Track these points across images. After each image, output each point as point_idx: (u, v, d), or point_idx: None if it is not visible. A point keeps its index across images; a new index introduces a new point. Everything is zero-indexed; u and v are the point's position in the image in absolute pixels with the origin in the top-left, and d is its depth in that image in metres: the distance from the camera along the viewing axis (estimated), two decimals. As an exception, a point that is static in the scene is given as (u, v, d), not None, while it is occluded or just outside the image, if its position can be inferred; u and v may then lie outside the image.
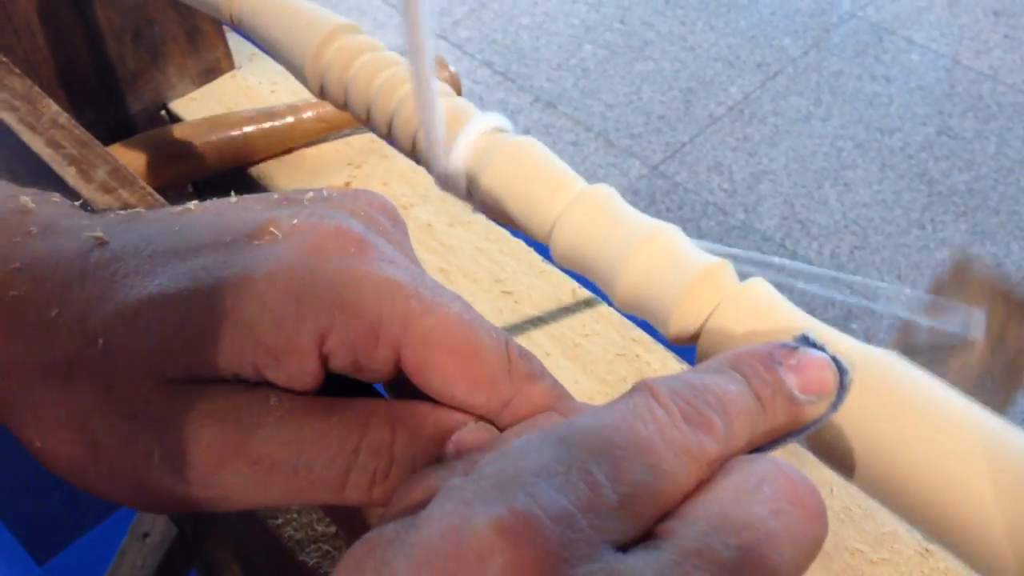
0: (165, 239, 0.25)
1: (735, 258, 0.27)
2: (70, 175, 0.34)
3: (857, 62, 1.96)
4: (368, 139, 0.61)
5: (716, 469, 0.21)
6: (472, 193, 0.31)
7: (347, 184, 0.58)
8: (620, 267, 0.26)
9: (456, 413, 0.24)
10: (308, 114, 0.59)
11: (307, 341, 0.23)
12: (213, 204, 0.26)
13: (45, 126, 0.36)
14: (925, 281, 1.58)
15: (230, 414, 0.23)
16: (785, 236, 1.66)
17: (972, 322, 0.38)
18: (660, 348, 0.49)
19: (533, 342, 0.50)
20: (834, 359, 0.23)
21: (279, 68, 0.38)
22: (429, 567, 0.18)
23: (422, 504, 0.20)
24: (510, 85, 1.97)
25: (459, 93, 0.60)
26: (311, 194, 0.26)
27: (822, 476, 0.43)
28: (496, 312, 0.51)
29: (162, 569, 0.76)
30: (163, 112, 0.63)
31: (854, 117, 1.85)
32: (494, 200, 0.30)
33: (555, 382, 0.24)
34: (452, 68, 0.62)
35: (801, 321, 0.25)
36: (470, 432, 0.23)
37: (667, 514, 0.20)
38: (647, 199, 1.74)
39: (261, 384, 0.23)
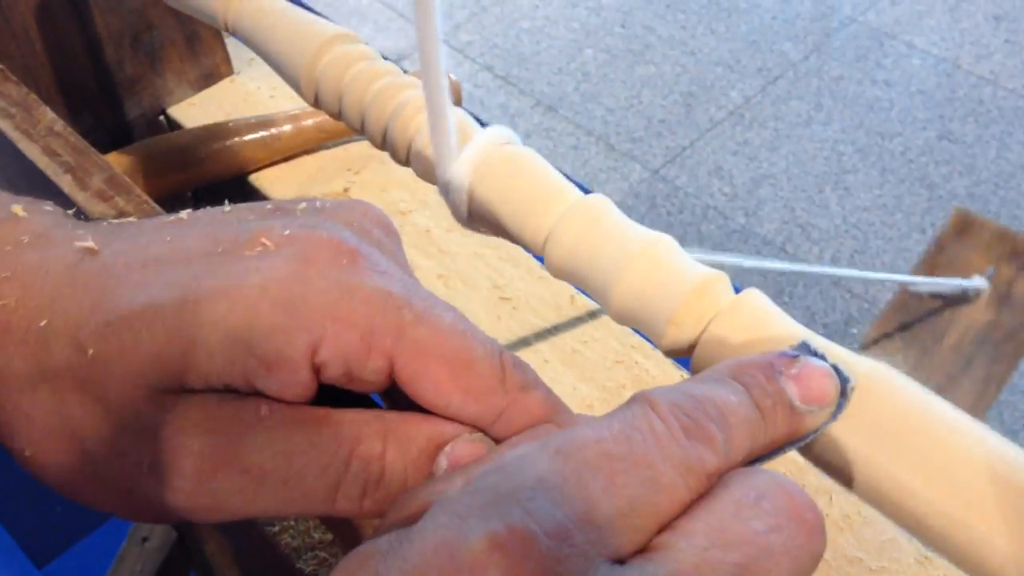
0: (156, 249, 0.24)
1: (733, 267, 0.26)
2: (66, 183, 0.34)
3: (858, 67, 1.96)
4: (366, 146, 0.61)
5: (715, 482, 0.20)
6: (472, 213, 0.30)
7: (345, 190, 0.58)
8: (614, 279, 0.26)
9: (449, 424, 0.24)
10: (307, 123, 0.59)
11: (299, 352, 0.23)
12: (205, 213, 0.26)
13: (41, 133, 0.36)
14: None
15: (220, 424, 0.23)
16: (786, 240, 1.66)
17: (974, 282, 0.37)
18: (659, 355, 0.49)
19: (531, 349, 0.50)
20: (835, 367, 0.23)
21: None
22: None
23: (417, 517, 0.20)
24: (511, 89, 1.97)
25: (459, 100, 0.60)
26: (304, 204, 0.26)
27: (822, 484, 0.43)
28: (494, 318, 0.51)
29: (161, 573, 0.76)
30: (162, 117, 0.63)
31: (855, 121, 1.85)
32: (488, 212, 0.30)
33: (549, 392, 0.24)
34: (452, 75, 0.62)
35: (798, 333, 0.25)
36: (463, 444, 0.23)
37: (665, 527, 0.20)
38: (648, 203, 1.74)
39: (252, 394, 0.23)
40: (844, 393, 0.23)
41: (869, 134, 1.83)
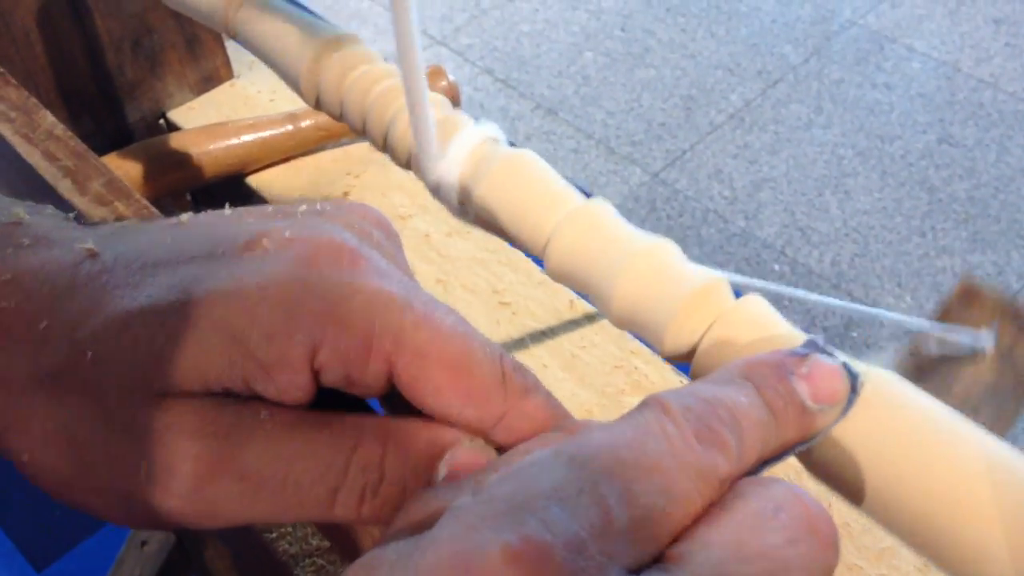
0: (156, 251, 0.24)
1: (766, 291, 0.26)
2: (65, 187, 0.34)
3: (858, 70, 1.96)
4: (366, 149, 0.61)
5: (727, 488, 0.20)
6: (465, 205, 0.30)
7: (345, 194, 0.58)
8: (614, 283, 0.26)
9: (449, 430, 0.23)
10: (306, 122, 0.59)
11: (298, 355, 0.22)
12: (205, 216, 0.26)
13: (41, 138, 0.36)
14: (926, 289, 1.58)
15: (219, 428, 0.23)
16: (786, 244, 1.66)
17: (981, 338, 0.38)
18: (658, 360, 0.49)
19: (530, 354, 0.50)
20: (844, 364, 0.23)
21: (278, 77, 0.38)
22: None
23: (424, 525, 0.19)
24: (511, 92, 1.97)
25: (457, 102, 0.60)
26: (304, 207, 0.26)
27: (820, 491, 0.43)
28: (494, 323, 0.51)
29: (160, 578, 0.76)
30: (161, 121, 0.63)
31: (855, 125, 1.85)
32: (489, 213, 0.30)
33: (550, 396, 0.24)
34: (451, 77, 0.62)
35: (799, 338, 0.25)
36: (463, 450, 0.23)
37: (679, 537, 0.19)
38: (648, 206, 1.74)
39: (251, 398, 0.23)
40: (854, 389, 0.22)
41: (869, 137, 1.83)
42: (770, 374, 0.22)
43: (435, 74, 0.61)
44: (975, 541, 0.21)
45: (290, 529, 0.37)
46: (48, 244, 0.25)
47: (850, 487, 0.23)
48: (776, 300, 0.26)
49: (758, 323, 0.25)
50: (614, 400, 0.47)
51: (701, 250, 1.64)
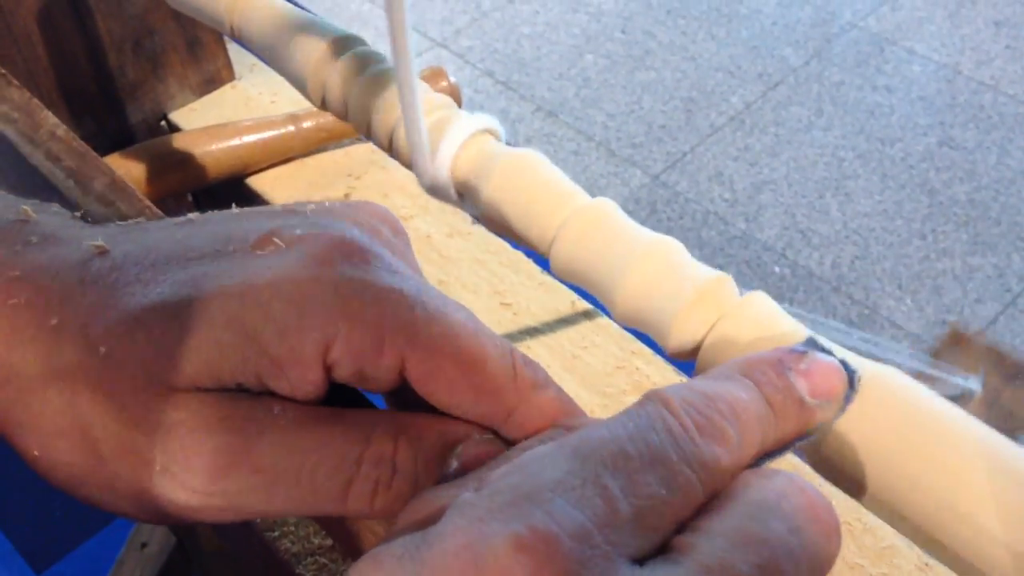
0: (167, 248, 0.25)
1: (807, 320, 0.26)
2: (68, 187, 0.34)
3: (858, 72, 1.97)
4: (367, 150, 0.61)
5: (728, 480, 0.21)
6: (466, 199, 0.30)
7: (346, 195, 0.58)
8: (619, 280, 0.26)
9: (460, 424, 0.24)
10: (307, 123, 0.59)
11: (311, 351, 0.23)
12: (214, 214, 0.26)
13: (43, 138, 0.36)
14: (926, 291, 1.58)
15: (233, 422, 0.23)
16: (786, 246, 1.66)
17: (971, 381, 0.38)
18: (660, 360, 0.49)
19: (532, 354, 0.50)
20: (842, 361, 0.23)
21: (279, 79, 0.38)
22: None
23: (430, 520, 0.20)
24: (511, 94, 1.97)
25: (459, 103, 0.60)
26: (313, 205, 0.26)
27: (822, 490, 0.43)
28: (495, 324, 0.51)
29: (160, 579, 0.76)
30: (163, 123, 0.63)
31: (855, 127, 1.86)
32: (495, 212, 0.30)
33: (560, 391, 0.24)
34: (452, 78, 0.62)
35: (803, 334, 0.25)
36: (475, 444, 0.23)
37: (684, 527, 0.20)
38: (648, 208, 1.74)
39: (264, 393, 0.23)
40: (852, 385, 0.23)
41: (870, 140, 1.83)
42: (769, 370, 0.22)
43: (436, 76, 0.61)
44: (976, 535, 0.21)
45: (292, 528, 0.37)
46: (56, 241, 0.25)
47: (854, 481, 0.24)
48: (776, 300, 0.26)
49: (762, 320, 0.25)
50: (616, 401, 0.47)
51: (702, 252, 1.64)
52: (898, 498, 0.23)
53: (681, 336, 0.26)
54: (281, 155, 0.60)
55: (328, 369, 0.23)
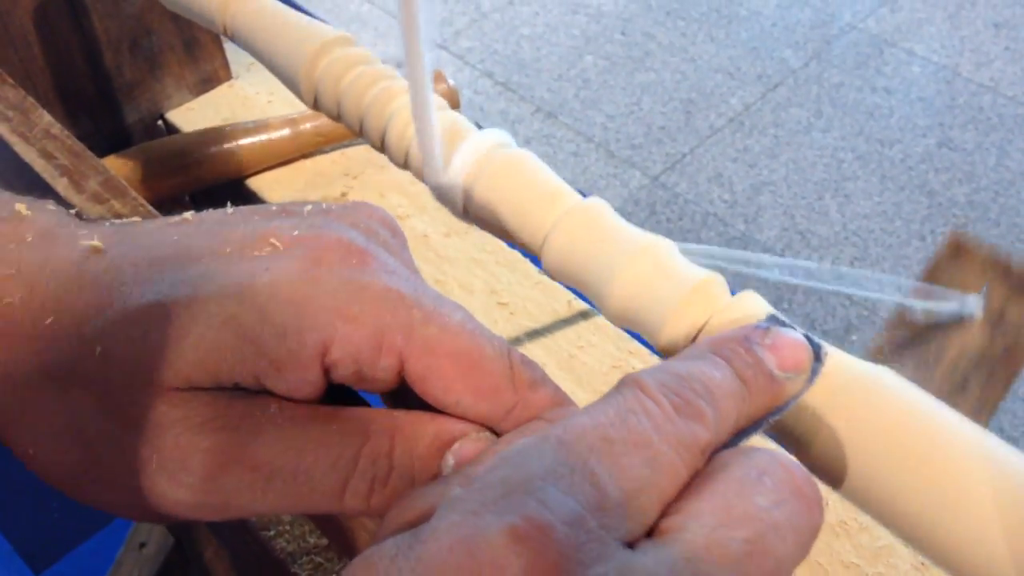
0: (162, 249, 0.25)
1: (725, 261, 0.26)
2: (62, 186, 0.34)
3: (858, 74, 1.97)
4: (364, 150, 0.61)
5: (708, 457, 0.21)
6: (468, 208, 0.30)
7: (343, 195, 0.58)
8: (611, 280, 0.26)
9: (457, 422, 0.24)
10: (305, 127, 0.59)
11: (310, 352, 0.23)
12: (210, 215, 0.26)
13: (37, 136, 0.36)
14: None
15: (230, 421, 0.23)
16: (785, 247, 1.66)
17: (969, 303, 0.38)
18: (656, 360, 0.49)
19: (528, 354, 0.49)
20: (805, 335, 0.23)
21: (276, 78, 0.38)
22: None
23: (419, 519, 0.20)
24: (511, 95, 1.97)
25: (456, 106, 0.60)
26: (310, 206, 0.26)
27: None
28: (491, 324, 0.51)
29: (158, 579, 0.76)
30: (160, 122, 0.63)
31: (854, 129, 1.86)
32: (488, 212, 0.30)
33: (557, 389, 0.25)
34: (451, 80, 0.62)
35: (795, 335, 0.25)
36: (471, 442, 0.23)
37: (670, 509, 0.20)
38: (647, 210, 1.74)
39: (261, 392, 0.23)
40: (819, 358, 0.23)
41: (869, 141, 1.83)
42: (738, 347, 0.23)
43: (434, 78, 0.61)
44: (970, 537, 0.21)
45: (288, 527, 0.37)
46: (52, 240, 0.25)
47: (844, 481, 0.24)
48: (776, 304, 0.26)
49: (753, 319, 0.25)
50: (612, 400, 0.47)
51: (701, 253, 1.63)
52: (889, 499, 0.23)
53: (673, 336, 0.26)
54: (279, 158, 0.60)
55: (327, 370, 0.23)
